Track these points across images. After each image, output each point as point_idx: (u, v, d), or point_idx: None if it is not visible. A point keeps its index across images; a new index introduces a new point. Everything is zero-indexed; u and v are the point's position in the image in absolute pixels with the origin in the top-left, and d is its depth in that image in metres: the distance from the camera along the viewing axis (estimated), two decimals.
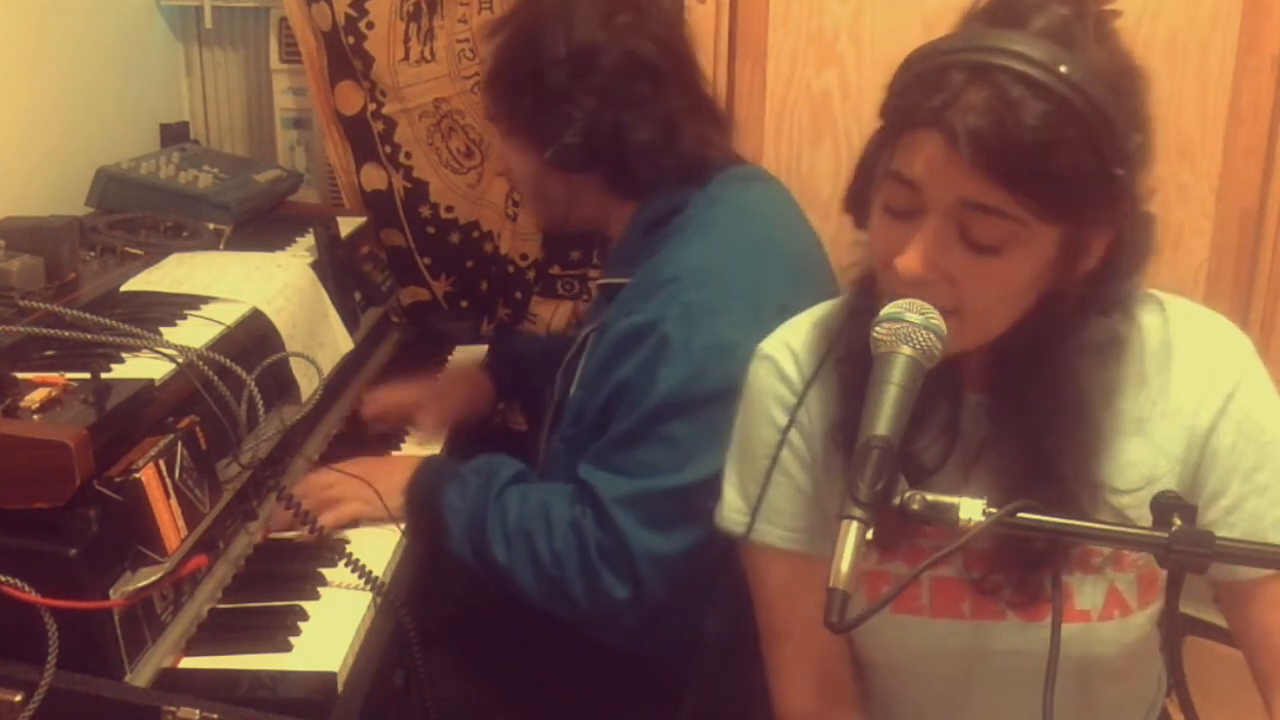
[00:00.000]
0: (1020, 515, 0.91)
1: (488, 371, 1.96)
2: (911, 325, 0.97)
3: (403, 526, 1.49)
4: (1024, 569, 1.10)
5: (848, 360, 1.14)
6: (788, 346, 1.21)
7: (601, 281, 1.61)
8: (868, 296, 1.11)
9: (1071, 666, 1.12)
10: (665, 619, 1.47)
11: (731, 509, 1.24)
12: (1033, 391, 1.09)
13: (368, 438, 1.75)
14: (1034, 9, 0.99)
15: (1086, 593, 1.14)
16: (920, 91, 0.99)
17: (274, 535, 1.45)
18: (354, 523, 1.49)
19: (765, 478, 1.18)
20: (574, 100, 1.50)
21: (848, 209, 1.12)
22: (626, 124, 1.51)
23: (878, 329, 0.98)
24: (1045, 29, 0.97)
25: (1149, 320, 1.15)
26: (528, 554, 1.44)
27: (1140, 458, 1.12)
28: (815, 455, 1.19)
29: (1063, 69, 0.95)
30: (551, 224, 1.70)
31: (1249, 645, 1.16)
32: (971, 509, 0.90)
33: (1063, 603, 1.02)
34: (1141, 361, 1.13)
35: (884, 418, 0.93)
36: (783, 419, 1.18)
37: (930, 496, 0.90)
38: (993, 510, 0.90)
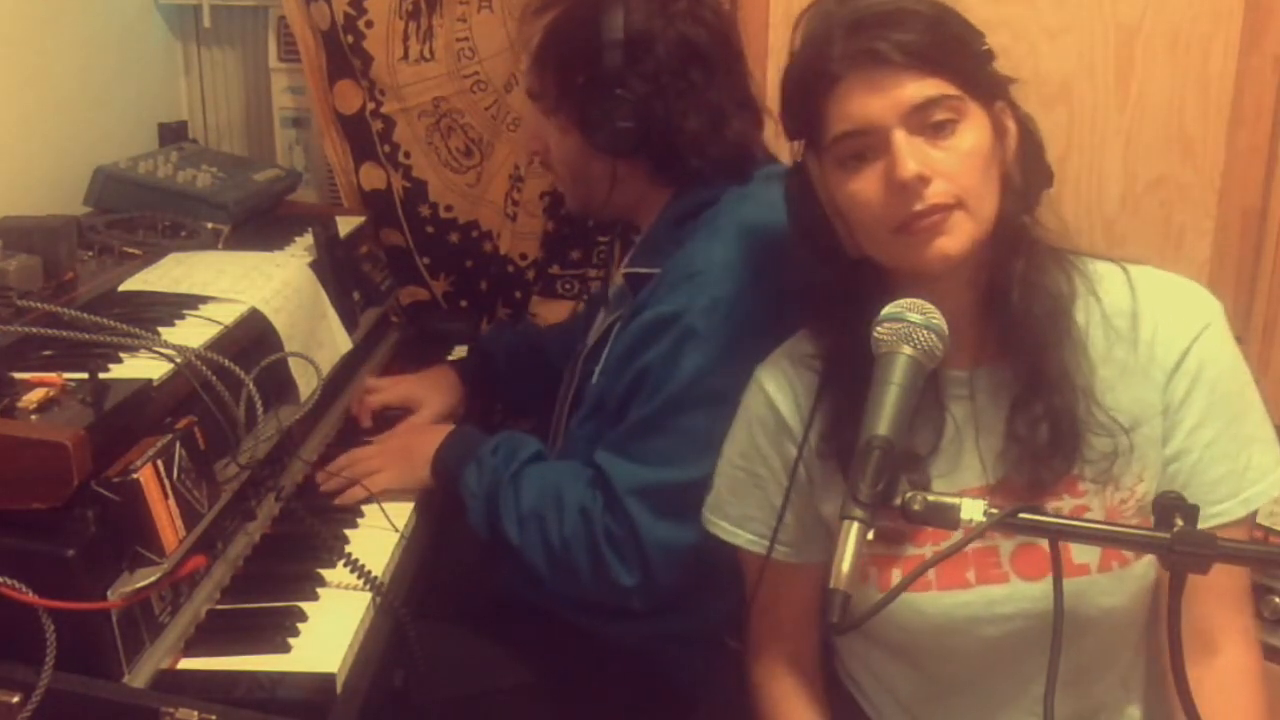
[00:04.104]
0: (1021, 515, 0.91)
1: (459, 369, 1.94)
2: (912, 325, 0.97)
3: (401, 527, 1.50)
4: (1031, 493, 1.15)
5: (832, 363, 1.21)
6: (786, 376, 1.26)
7: (627, 270, 1.60)
8: (834, 301, 1.21)
9: (1074, 627, 1.11)
10: (672, 608, 1.48)
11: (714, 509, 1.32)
12: (1023, 348, 1.15)
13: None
14: None
15: (1083, 545, 1.13)
16: (812, 62, 1.11)
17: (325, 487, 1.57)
18: (385, 492, 1.55)
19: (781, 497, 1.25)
20: (627, 85, 1.48)
21: (808, 243, 1.21)
22: (678, 112, 1.50)
23: (879, 329, 0.98)
24: None
25: (1111, 280, 1.18)
26: (539, 537, 1.46)
27: (1120, 404, 1.15)
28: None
29: None
30: (586, 208, 1.67)
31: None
32: (972, 509, 0.90)
33: (1062, 575, 0.99)
34: (1107, 319, 1.17)
35: (885, 418, 0.93)
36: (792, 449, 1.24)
37: (931, 497, 0.90)
38: (994, 510, 0.90)
